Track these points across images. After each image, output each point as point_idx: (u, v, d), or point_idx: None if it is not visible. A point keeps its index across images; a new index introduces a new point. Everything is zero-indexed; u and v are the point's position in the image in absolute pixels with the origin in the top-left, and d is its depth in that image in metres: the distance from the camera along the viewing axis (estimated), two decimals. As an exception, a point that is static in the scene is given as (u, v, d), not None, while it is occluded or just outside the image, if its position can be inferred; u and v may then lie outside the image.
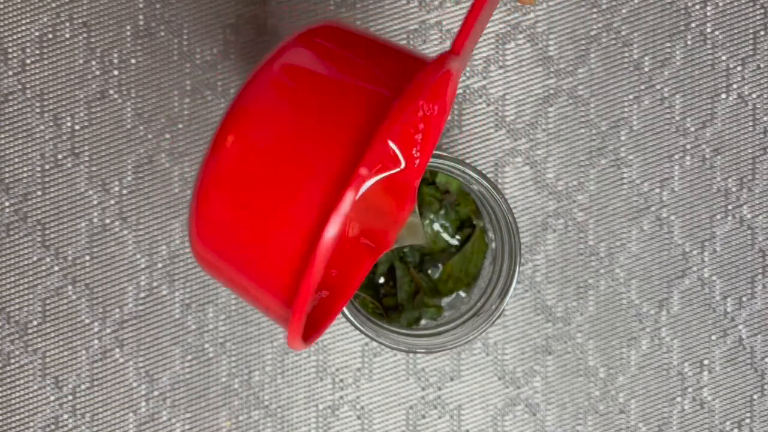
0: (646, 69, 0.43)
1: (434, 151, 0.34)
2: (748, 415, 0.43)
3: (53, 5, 0.42)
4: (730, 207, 0.43)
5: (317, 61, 0.26)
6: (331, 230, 0.23)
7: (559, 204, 0.43)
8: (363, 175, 0.23)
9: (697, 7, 0.43)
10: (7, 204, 0.42)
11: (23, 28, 0.42)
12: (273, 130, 0.25)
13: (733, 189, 0.43)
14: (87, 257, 0.42)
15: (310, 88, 0.25)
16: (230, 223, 0.26)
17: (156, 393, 0.42)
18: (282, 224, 0.25)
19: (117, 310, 0.42)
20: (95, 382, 0.42)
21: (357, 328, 0.36)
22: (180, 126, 0.42)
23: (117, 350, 0.42)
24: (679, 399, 0.43)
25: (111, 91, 0.42)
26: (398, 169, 0.32)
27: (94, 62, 0.42)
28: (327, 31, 0.28)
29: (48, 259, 0.42)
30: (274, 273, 0.25)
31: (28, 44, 0.42)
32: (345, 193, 0.23)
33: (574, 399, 0.43)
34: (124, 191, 0.42)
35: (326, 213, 0.24)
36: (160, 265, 0.42)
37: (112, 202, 0.42)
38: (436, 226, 0.39)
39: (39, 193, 0.42)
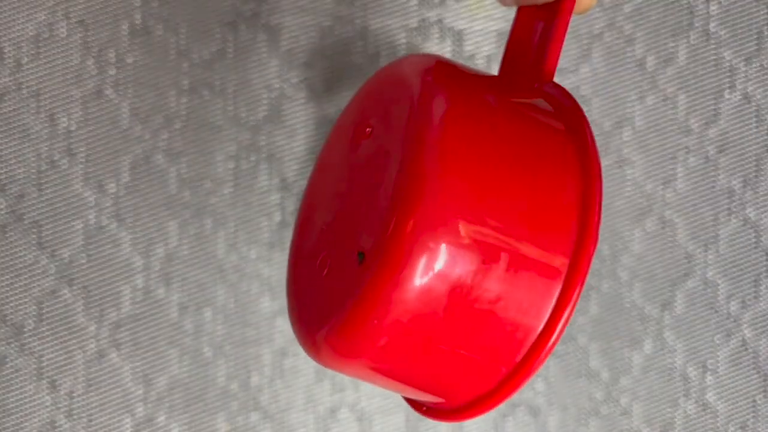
0: (650, 67, 0.43)
1: None
2: (751, 417, 0.43)
3: (49, 3, 0.41)
4: (734, 207, 0.43)
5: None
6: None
7: (562, 204, 0.42)
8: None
9: (701, 4, 0.43)
10: (2, 204, 0.41)
11: (19, 26, 0.41)
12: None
13: (738, 189, 0.43)
14: (83, 258, 0.41)
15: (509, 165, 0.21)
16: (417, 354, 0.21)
17: (153, 395, 0.42)
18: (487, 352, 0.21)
19: (113, 311, 0.41)
20: (91, 385, 0.41)
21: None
22: (177, 125, 0.42)
23: (113, 352, 0.41)
24: (682, 401, 0.43)
25: (107, 90, 0.42)
26: None
27: (90, 61, 0.41)
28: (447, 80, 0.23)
29: (43, 260, 0.41)
30: (465, 391, 0.23)
31: (23, 42, 0.41)
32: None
33: (576, 401, 0.42)
34: (121, 191, 0.41)
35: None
36: (157, 267, 0.42)
37: (109, 202, 0.41)
38: None
39: (35, 193, 0.41)
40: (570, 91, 0.25)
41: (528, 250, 0.21)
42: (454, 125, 0.21)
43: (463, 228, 0.20)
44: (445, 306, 0.21)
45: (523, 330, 0.21)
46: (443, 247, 0.20)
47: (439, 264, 0.20)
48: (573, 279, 0.21)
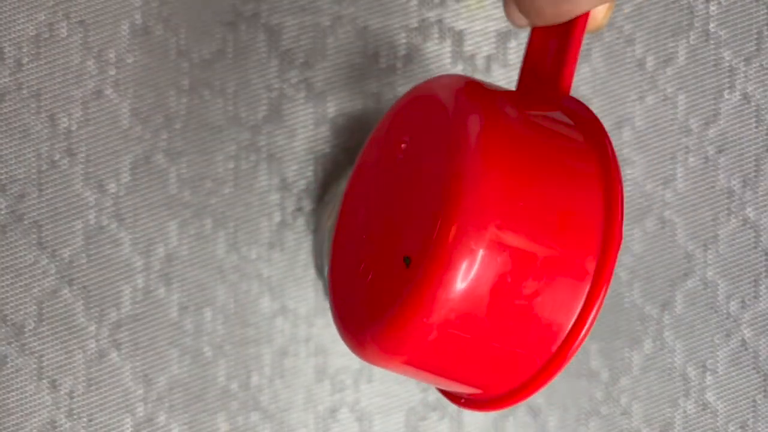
0: (650, 67, 0.43)
1: None
2: (751, 416, 0.43)
3: (49, 3, 0.41)
4: (733, 207, 0.43)
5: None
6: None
7: (561, 204, 0.42)
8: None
9: (701, 4, 0.43)
10: (2, 204, 0.41)
11: (19, 26, 0.41)
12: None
13: (737, 189, 0.43)
14: (83, 258, 0.41)
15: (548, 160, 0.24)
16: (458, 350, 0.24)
17: (153, 395, 0.42)
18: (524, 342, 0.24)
19: (114, 311, 0.41)
20: (92, 385, 0.41)
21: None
22: (177, 125, 0.42)
23: (114, 352, 0.41)
24: (682, 401, 0.43)
25: (108, 90, 0.42)
26: None
27: (90, 61, 0.41)
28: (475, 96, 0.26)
29: (44, 260, 0.41)
30: (502, 381, 0.25)
31: (24, 43, 0.41)
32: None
33: (576, 401, 0.42)
34: (121, 191, 0.41)
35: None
36: (157, 267, 0.42)
37: (109, 202, 0.41)
38: None
39: (35, 193, 0.41)
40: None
41: (559, 250, 0.23)
42: (489, 139, 0.23)
43: (501, 232, 0.22)
44: (486, 304, 0.23)
45: (557, 324, 0.24)
46: (484, 250, 0.22)
47: (480, 265, 0.22)
48: (601, 276, 0.23)
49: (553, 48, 0.27)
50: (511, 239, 0.22)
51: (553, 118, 0.25)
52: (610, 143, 0.25)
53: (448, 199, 0.22)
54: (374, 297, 0.25)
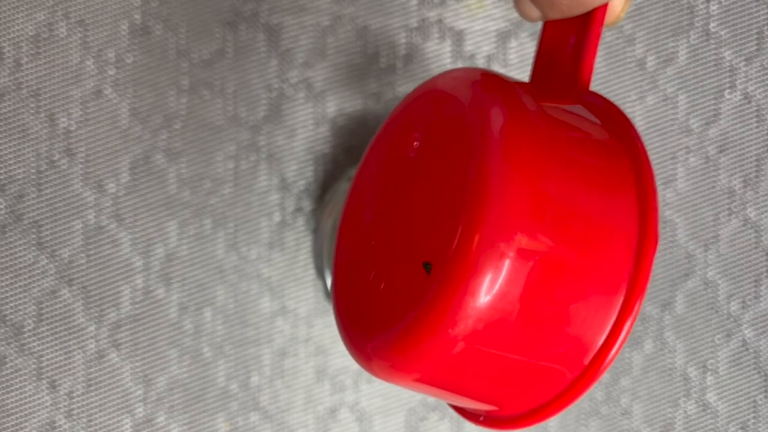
0: (650, 67, 0.43)
1: None
2: (752, 417, 0.43)
3: (49, 3, 0.41)
4: (734, 207, 0.43)
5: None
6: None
7: (562, 204, 0.42)
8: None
9: (701, 4, 0.43)
10: (1, 204, 0.41)
11: (18, 25, 0.41)
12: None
13: (738, 189, 0.43)
14: (83, 258, 0.41)
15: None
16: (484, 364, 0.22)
17: (153, 395, 0.41)
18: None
19: (113, 311, 0.41)
20: (91, 385, 0.41)
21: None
22: (177, 125, 0.42)
23: (113, 352, 0.41)
24: (683, 401, 0.43)
25: (107, 90, 0.41)
26: None
27: (89, 60, 0.41)
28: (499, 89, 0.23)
29: (43, 260, 0.41)
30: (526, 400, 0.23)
31: (23, 42, 0.41)
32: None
33: (576, 401, 0.42)
34: (120, 191, 0.41)
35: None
36: (156, 267, 0.41)
37: (108, 202, 0.41)
38: None
39: (34, 193, 0.41)
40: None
41: (591, 257, 0.21)
42: (514, 135, 0.21)
43: (530, 237, 0.20)
44: (514, 313, 0.21)
45: (589, 336, 0.22)
46: (513, 255, 0.20)
47: (509, 272, 0.20)
48: (635, 286, 0.22)
49: (570, 42, 0.25)
50: (541, 245, 0.20)
51: (578, 114, 0.24)
52: (640, 141, 0.23)
53: (473, 200, 0.20)
54: (389, 306, 0.23)
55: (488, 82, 0.23)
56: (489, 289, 0.20)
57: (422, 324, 0.21)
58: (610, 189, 0.22)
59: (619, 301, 0.22)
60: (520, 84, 0.24)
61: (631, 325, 0.22)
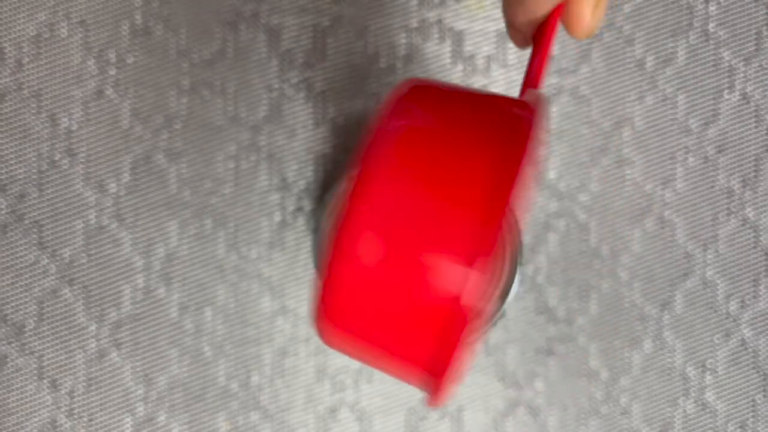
0: (649, 67, 0.43)
1: None
2: (751, 416, 0.43)
3: (50, 3, 0.41)
4: (733, 207, 0.43)
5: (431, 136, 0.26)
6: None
7: (561, 204, 0.42)
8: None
9: (701, 4, 0.43)
10: (3, 204, 0.41)
11: (19, 26, 0.41)
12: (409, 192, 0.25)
13: (737, 189, 0.43)
14: (83, 258, 0.41)
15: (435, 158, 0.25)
16: (370, 310, 0.26)
17: (153, 395, 0.42)
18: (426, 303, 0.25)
19: (114, 311, 0.42)
20: (92, 384, 0.41)
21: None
22: (178, 125, 0.42)
23: (114, 352, 0.41)
24: (682, 401, 0.43)
25: (108, 90, 0.42)
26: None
27: (91, 61, 0.41)
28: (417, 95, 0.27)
29: (44, 260, 0.41)
30: (416, 352, 0.25)
31: (24, 43, 0.41)
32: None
33: (576, 401, 0.42)
34: (121, 191, 0.42)
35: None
36: (157, 266, 0.42)
37: (109, 202, 0.41)
38: None
39: (35, 193, 0.41)
40: (544, 95, 0.28)
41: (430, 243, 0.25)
42: (373, 159, 0.25)
43: (376, 232, 0.25)
44: (375, 286, 0.25)
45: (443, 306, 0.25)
46: (368, 240, 0.25)
47: (365, 254, 0.25)
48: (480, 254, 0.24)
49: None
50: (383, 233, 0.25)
51: (474, 114, 0.26)
52: (531, 125, 0.24)
53: (346, 203, 0.26)
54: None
55: (411, 95, 0.26)
56: (355, 265, 0.25)
57: (325, 283, 0.26)
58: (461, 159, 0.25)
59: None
60: (452, 92, 0.27)
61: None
